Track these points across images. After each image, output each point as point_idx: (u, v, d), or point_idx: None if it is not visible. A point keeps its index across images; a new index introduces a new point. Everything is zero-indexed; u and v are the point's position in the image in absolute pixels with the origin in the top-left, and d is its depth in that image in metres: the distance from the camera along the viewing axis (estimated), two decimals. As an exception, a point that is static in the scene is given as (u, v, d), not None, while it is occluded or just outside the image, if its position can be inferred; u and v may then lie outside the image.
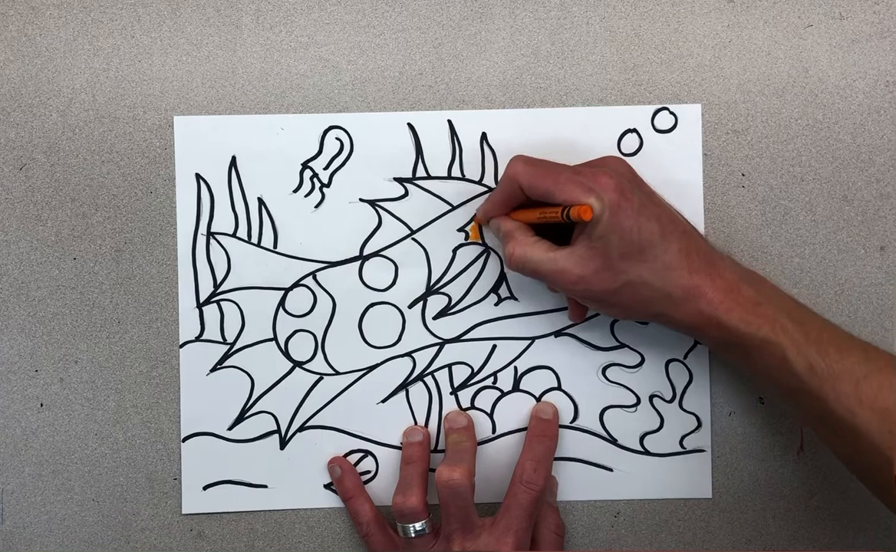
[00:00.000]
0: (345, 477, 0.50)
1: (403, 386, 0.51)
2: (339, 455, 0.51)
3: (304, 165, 0.50)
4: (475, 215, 0.50)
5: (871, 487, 0.43)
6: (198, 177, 0.50)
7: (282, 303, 0.51)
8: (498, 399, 0.51)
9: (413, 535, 0.47)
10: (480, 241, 0.51)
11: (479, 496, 0.49)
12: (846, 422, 0.41)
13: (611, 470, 0.51)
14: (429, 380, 0.51)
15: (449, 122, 0.50)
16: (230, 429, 0.51)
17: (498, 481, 0.50)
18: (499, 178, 0.50)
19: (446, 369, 0.51)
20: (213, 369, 0.51)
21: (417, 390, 0.51)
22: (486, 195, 0.49)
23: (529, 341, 0.51)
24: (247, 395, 0.51)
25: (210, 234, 0.50)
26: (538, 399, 0.51)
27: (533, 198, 0.45)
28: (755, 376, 0.45)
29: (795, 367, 0.42)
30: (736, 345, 0.43)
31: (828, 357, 0.41)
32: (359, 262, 0.51)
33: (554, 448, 0.50)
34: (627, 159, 0.50)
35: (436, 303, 0.51)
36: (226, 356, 0.51)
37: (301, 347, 0.51)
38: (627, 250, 0.42)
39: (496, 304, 0.51)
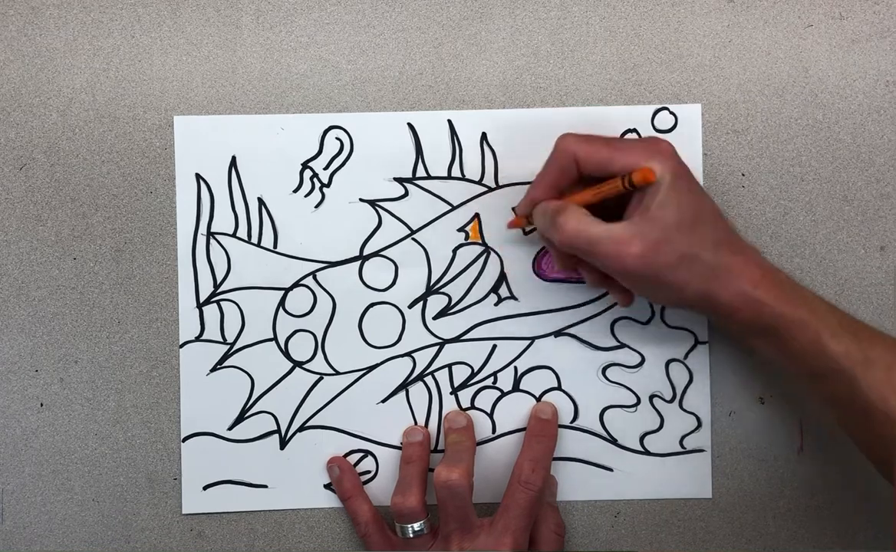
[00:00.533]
0: (343, 477, 0.50)
1: (403, 386, 0.51)
2: (338, 455, 0.51)
3: (304, 165, 0.50)
4: (514, 208, 0.49)
5: (891, 476, 0.43)
6: (198, 177, 0.50)
7: (282, 303, 0.51)
8: (498, 399, 0.51)
9: (411, 535, 0.47)
10: (480, 241, 0.51)
11: (479, 496, 0.49)
12: (877, 408, 0.41)
13: (611, 470, 0.51)
14: (429, 380, 0.51)
15: (449, 122, 0.50)
16: (230, 429, 0.51)
17: (497, 481, 0.50)
18: (547, 161, 0.45)
19: (446, 369, 0.51)
20: (213, 369, 0.51)
21: (417, 390, 0.51)
22: (530, 184, 0.46)
23: (529, 341, 0.51)
24: (247, 395, 0.51)
25: (210, 234, 0.50)
26: (538, 399, 0.51)
27: (588, 171, 0.44)
28: (783, 359, 0.44)
29: (831, 349, 0.42)
30: (770, 328, 0.43)
31: (861, 342, 0.42)
32: (359, 262, 0.51)
33: (553, 448, 0.50)
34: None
35: (436, 303, 0.51)
36: (226, 356, 0.51)
37: (301, 347, 0.51)
38: (684, 222, 0.42)
39: (496, 304, 0.51)
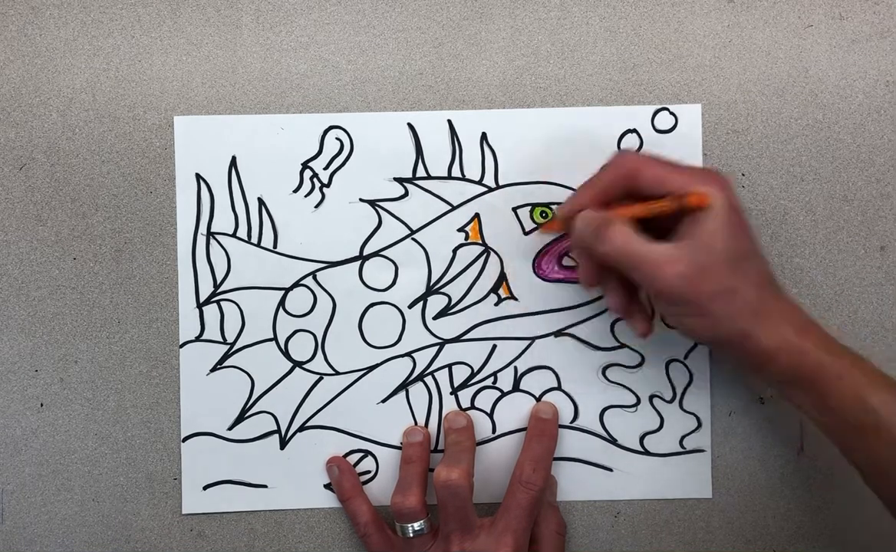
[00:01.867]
0: (343, 477, 0.50)
1: (403, 386, 0.51)
2: (338, 455, 0.51)
3: (304, 165, 0.50)
4: (554, 214, 0.48)
5: None
6: (198, 177, 0.50)
7: (282, 303, 0.51)
8: (498, 399, 0.51)
9: (411, 535, 0.47)
10: (480, 241, 0.51)
11: (479, 496, 0.49)
12: None
13: (611, 470, 0.51)
14: (429, 380, 0.51)
15: (449, 122, 0.50)
16: (230, 429, 0.51)
17: (498, 481, 0.50)
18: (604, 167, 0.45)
19: (446, 369, 0.51)
20: (213, 369, 0.51)
21: (417, 390, 0.51)
22: (575, 191, 0.46)
23: (529, 341, 0.51)
24: (247, 395, 0.51)
25: (210, 234, 0.50)
26: (538, 399, 0.51)
27: (643, 186, 0.43)
28: (819, 413, 0.42)
29: (872, 402, 0.41)
30: (808, 378, 0.42)
31: None
32: (359, 262, 0.51)
33: (553, 448, 0.50)
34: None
35: (436, 303, 0.51)
36: (226, 356, 0.51)
37: (301, 347, 0.51)
38: (731, 255, 0.41)
39: (496, 304, 0.51)
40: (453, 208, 0.51)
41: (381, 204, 0.51)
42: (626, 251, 0.42)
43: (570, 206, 0.45)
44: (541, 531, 0.48)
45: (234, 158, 0.50)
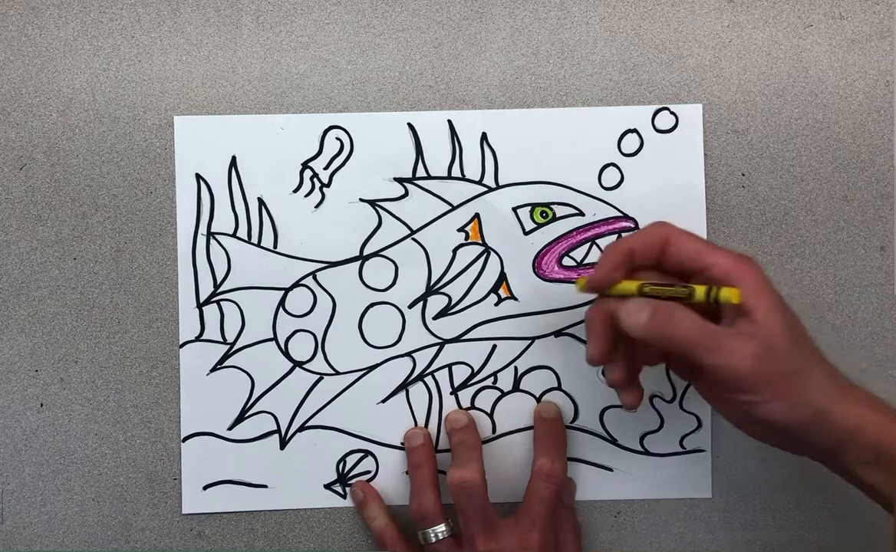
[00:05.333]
0: (366, 495, 0.50)
1: (403, 386, 0.51)
2: (360, 480, 0.51)
3: (304, 165, 0.50)
4: (584, 281, 0.43)
5: None
6: (198, 177, 0.50)
7: (282, 303, 0.51)
8: (498, 399, 0.51)
9: (434, 541, 0.47)
10: (480, 241, 0.51)
11: (479, 496, 0.49)
12: None
13: (611, 470, 0.51)
14: (429, 380, 0.51)
15: (449, 122, 0.50)
16: (230, 429, 0.51)
17: (500, 481, 0.50)
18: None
19: (446, 369, 0.51)
20: (213, 369, 0.51)
21: (417, 390, 0.51)
22: (603, 252, 0.43)
23: (529, 341, 0.51)
24: (247, 395, 0.51)
25: (210, 234, 0.50)
26: (538, 399, 0.51)
27: (671, 259, 0.41)
28: (888, 498, 0.40)
29: None
30: (882, 462, 0.39)
31: None
32: (359, 262, 0.51)
33: (565, 440, 0.49)
34: (627, 159, 0.50)
35: (436, 303, 0.51)
36: (226, 356, 0.51)
37: (301, 347, 0.51)
38: (793, 336, 0.39)
39: (496, 304, 0.51)
40: (453, 208, 0.51)
41: (381, 204, 0.51)
42: (673, 333, 0.39)
43: (602, 274, 0.42)
44: (557, 533, 0.48)
45: (234, 158, 0.50)
